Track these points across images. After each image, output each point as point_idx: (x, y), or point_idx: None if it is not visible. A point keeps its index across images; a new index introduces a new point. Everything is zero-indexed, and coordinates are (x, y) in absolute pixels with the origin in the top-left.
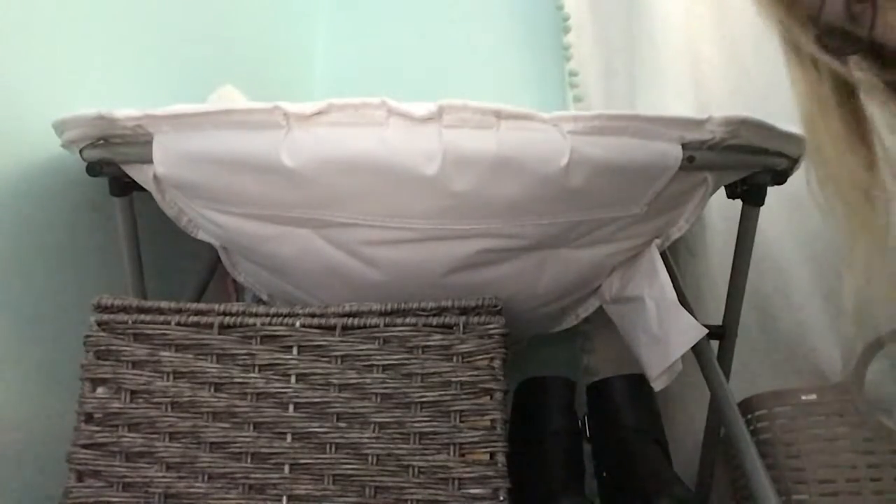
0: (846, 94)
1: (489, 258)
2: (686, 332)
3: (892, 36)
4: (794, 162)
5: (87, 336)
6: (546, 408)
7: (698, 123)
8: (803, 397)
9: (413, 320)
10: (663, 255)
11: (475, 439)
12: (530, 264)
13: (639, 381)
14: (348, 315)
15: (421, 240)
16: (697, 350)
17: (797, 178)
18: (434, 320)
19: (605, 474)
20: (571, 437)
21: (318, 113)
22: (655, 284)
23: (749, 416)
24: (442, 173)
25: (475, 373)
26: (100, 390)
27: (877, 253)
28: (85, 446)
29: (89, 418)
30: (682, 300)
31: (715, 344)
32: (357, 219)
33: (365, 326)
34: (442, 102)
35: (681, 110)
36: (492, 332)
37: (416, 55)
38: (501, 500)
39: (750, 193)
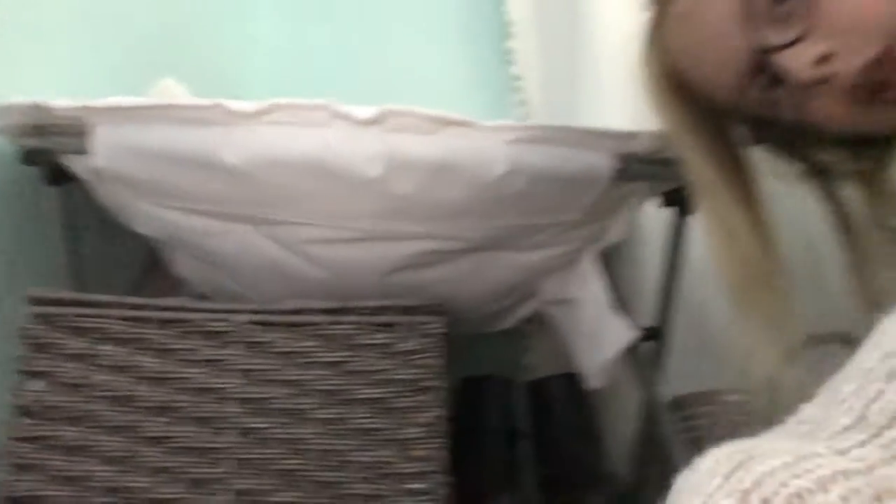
0: (738, 176)
1: (431, 259)
2: (620, 333)
3: (823, 119)
4: None
5: (24, 329)
6: (485, 406)
7: (630, 136)
8: (727, 397)
9: (356, 318)
10: (600, 259)
11: (416, 436)
12: (471, 266)
13: (575, 381)
14: (291, 312)
15: (363, 240)
16: (631, 351)
17: None
18: (376, 319)
19: (542, 471)
20: (510, 435)
21: (261, 112)
22: (591, 288)
23: (677, 415)
24: (384, 176)
25: (416, 371)
26: (36, 384)
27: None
28: (21, 440)
29: (25, 412)
30: (618, 303)
31: (653, 345)
32: (300, 218)
33: (308, 324)
34: (385, 107)
35: (620, 120)
36: (433, 331)
37: (359, 54)
38: (441, 495)
39: (681, 202)
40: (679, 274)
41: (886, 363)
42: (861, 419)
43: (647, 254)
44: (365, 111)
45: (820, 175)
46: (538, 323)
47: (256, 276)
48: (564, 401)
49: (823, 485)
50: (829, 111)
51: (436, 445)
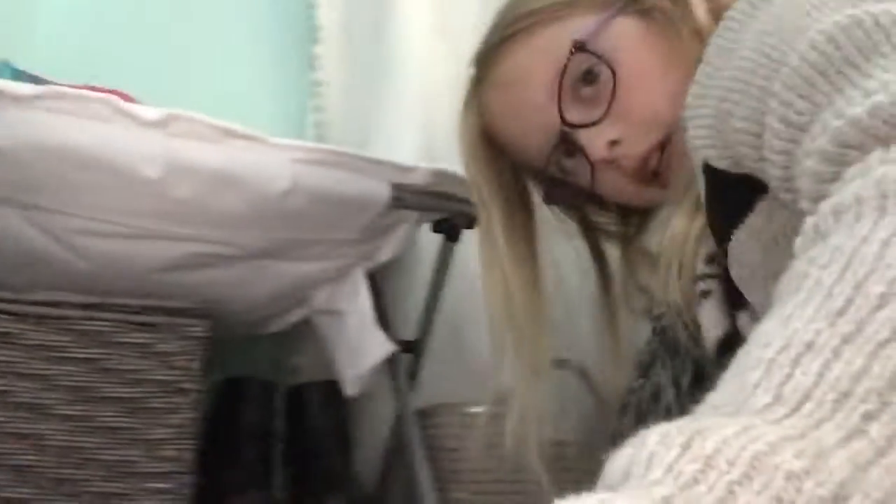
0: (524, 225)
1: (202, 262)
2: (379, 346)
3: (609, 191)
4: None
5: None
6: (244, 407)
7: (408, 170)
8: (471, 409)
9: (114, 316)
10: (373, 274)
11: (165, 436)
12: (244, 272)
13: (333, 387)
14: (44, 304)
15: (134, 237)
16: (390, 362)
17: None
18: (137, 318)
19: (291, 472)
20: (265, 436)
21: (38, 97)
22: (357, 301)
23: (425, 423)
24: (163, 179)
25: (173, 372)
26: None
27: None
28: None
29: None
30: (385, 315)
31: (410, 357)
32: (67, 207)
33: (61, 317)
34: (172, 111)
35: (411, 140)
36: (194, 334)
37: (157, 43)
38: (184, 495)
39: (448, 231)
40: (440, 294)
41: (787, 352)
42: (778, 398)
43: (416, 273)
44: (150, 112)
45: (591, 233)
46: (305, 329)
47: (14, 262)
48: (321, 406)
49: (774, 447)
50: (614, 185)
51: (185, 446)
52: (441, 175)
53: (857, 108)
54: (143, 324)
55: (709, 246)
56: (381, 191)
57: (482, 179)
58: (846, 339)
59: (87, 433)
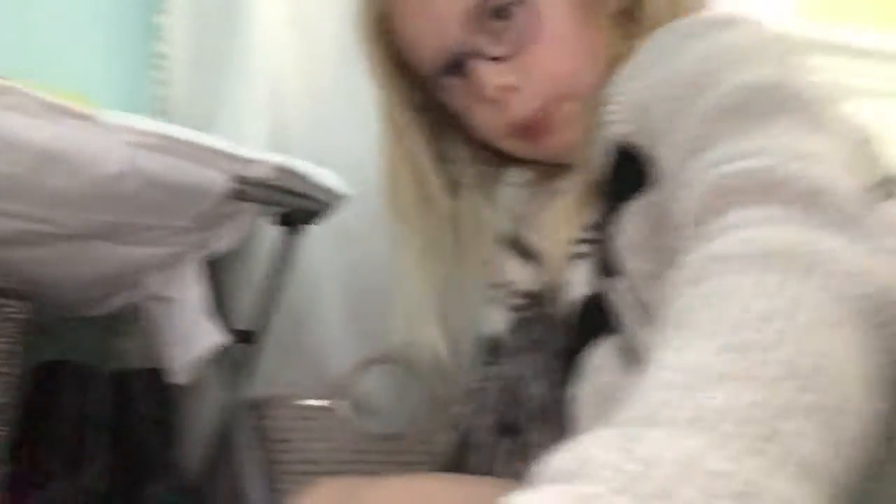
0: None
1: (24, 240)
2: (209, 335)
3: (479, 125)
4: (326, 206)
5: None
6: (64, 391)
7: (250, 161)
8: (305, 402)
9: None
10: (212, 262)
11: None
12: (69, 253)
13: (159, 375)
14: None
15: None
16: (224, 352)
17: (345, 216)
18: None
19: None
20: (83, 421)
21: None
22: (191, 290)
23: (256, 414)
24: None
25: None
26: None
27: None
28: None
29: None
30: (222, 305)
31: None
32: None
33: None
34: (2, 83)
35: (257, 126)
36: (13, 315)
37: None
38: None
39: (290, 224)
40: (280, 286)
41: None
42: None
43: (259, 264)
44: None
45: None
46: (133, 314)
47: None
48: (146, 393)
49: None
50: (489, 122)
51: None
52: (283, 170)
53: (743, 162)
54: None
55: (588, 217)
56: (219, 181)
57: (374, 61)
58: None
59: None
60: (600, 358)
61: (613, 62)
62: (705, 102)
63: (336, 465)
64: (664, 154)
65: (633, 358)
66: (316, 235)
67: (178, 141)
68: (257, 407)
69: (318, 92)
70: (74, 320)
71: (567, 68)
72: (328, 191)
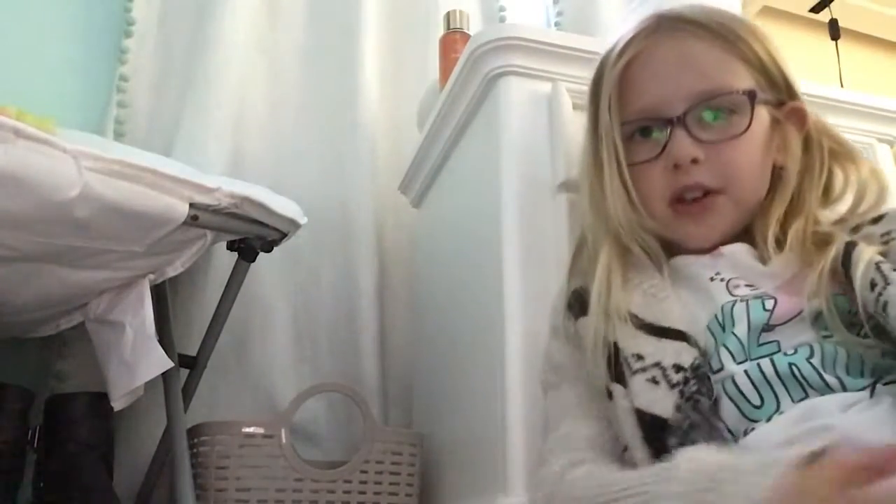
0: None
1: None
2: (155, 361)
3: (645, 187)
4: (283, 235)
5: None
6: (1, 415)
7: (208, 190)
8: (244, 429)
9: None
10: (161, 286)
11: None
12: (15, 274)
13: (99, 399)
14: None
15: None
16: (166, 377)
17: (294, 241)
18: None
19: (42, 485)
20: (16, 446)
21: None
22: (138, 314)
23: (195, 440)
24: None
25: None
26: None
27: None
28: None
29: None
30: (168, 329)
31: (188, 373)
32: None
33: None
34: None
35: (214, 153)
36: None
37: None
38: None
39: (244, 251)
40: (227, 312)
41: None
42: None
43: (206, 288)
44: None
45: None
46: (73, 335)
47: None
48: (84, 417)
49: None
50: (658, 185)
51: None
52: (242, 198)
53: None
54: None
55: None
56: (178, 208)
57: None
58: None
59: None
60: None
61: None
62: None
63: (274, 492)
64: None
65: None
66: (264, 260)
67: (136, 167)
68: (195, 433)
69: (280, 119)
70: (13, 342)
71: (743, 176)
72: (287, 220)
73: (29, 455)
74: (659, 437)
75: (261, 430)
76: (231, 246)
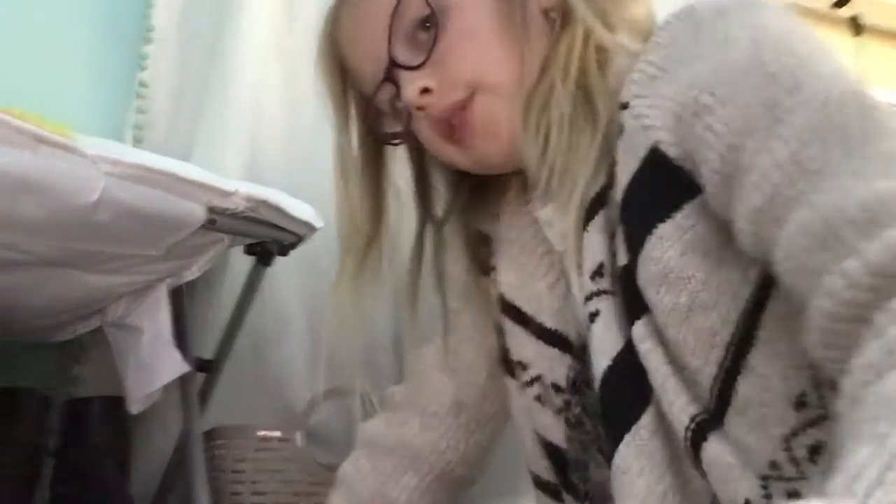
0: (373, 165)
1: None
2: (172, 365)
3: (423, 140)
4: (299, 238)
5: None
6: (17, 419)
7: (226, 194)
8: (259, 432)
9: None
10: (178, 290)
11: None
12: (35, 279)
13: (117, 403)
14: None
15: None
16: (183, 380)
17: (311, 245)
18: None
19: (59, 488)
20: (34, 450)
21: None
22: (156, 319)
23: (211, 444)
24: None
25: None
26: None
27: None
28: None
29: None
30: (185, 333)
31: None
32: None
33: None
34: None
35: (231, 159)
36: None
37: None
38: None
39: (261, 255)
40: (244, 315)
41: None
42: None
43: (223, 292)
44: None
45: (421, 185)
46: (90, 340)
47: None
48: (101, 421)
49: None
50: (425, 135)
51: None
52: (260, 202)
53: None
54: None
55: (592, 259)
56: (195, 212)
57: (329, 94)
58: None
59: None
60: (640, 455)
61: (541, 61)
62: (792, 116)
63: (290, 496)
64: (721, 171)
65: (671, 434)
66: (281, 265)
67: (155, 171)
68: (211, 437)
69: (297, 124)
70: (30, 346)
71: (481, 65)
72: (303, 223)
73: (46, 459)
74: (563, 468)
75: (276, 434)
76: (249, 250)
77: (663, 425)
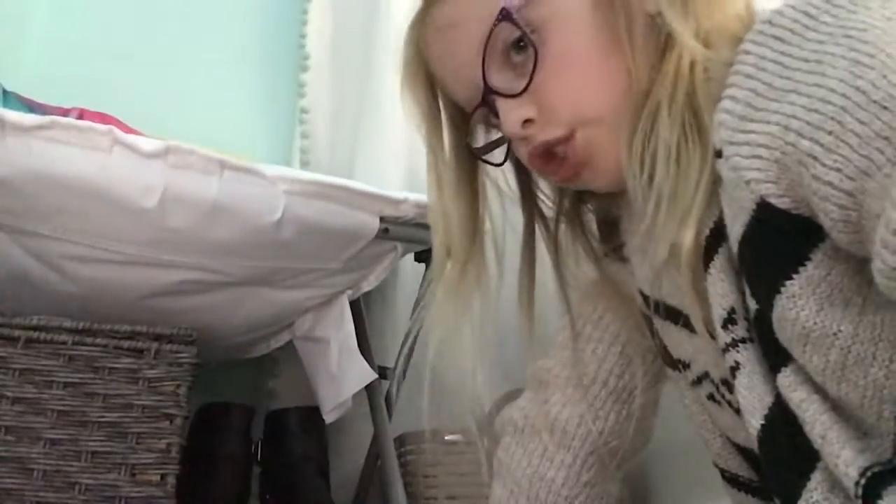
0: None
1: (190, 289)
2: (360, 374)
3: (524, 162)
4: None
5: None
6: (223, 431)
7: (396, 202)
8: (447, 437)
9: (104, 341)
10: (356, 301)
11: (148, 461)
12: (230, 298)
13: (312, 414)
14: (35, 328)
15: (125, 263)
16: (369, 388)
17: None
18: (126, 343)
19: (268, 497)
20: (243, 461)
21: (39, 127)
22: (341, 329)
23: (402, 450)
24: (159, 208)
25: (159, 398)
26: None
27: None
28: None
29: None
30: (365, 342)
31: (387, 384)
32: (62, 234)
33: (51, 342)
34: (170, 143)
35: (392, 173)
36: (182, 360)
37: (147, 67)
38: None
39: (430, 260)
40: (420, 321)
41: None
42: None
43: (396, 300)
44: (149, 143)
45: (528, 201)
46: (287, 355)
47: (5, 286)
48: (300, 432)
49: None
50: (526, 159)
51: (168, 471)
52: (426, 207)
53: None
54: (131, 349)
55: (721, 305)
56: (370, 223)
57: (417, 107)
58: None
59: (71, 457)
60: None
61: (649, 75)
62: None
63: (483, 500)
64: (858, 208)
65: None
66: None
67: (331, 186)
68: (401, 443)
69: None
70: (229, 363)
71: (583, 93)
72: None
73: (254, 469)
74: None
75: (462, 438)
76: (419, 257)
77: (834, 481)
